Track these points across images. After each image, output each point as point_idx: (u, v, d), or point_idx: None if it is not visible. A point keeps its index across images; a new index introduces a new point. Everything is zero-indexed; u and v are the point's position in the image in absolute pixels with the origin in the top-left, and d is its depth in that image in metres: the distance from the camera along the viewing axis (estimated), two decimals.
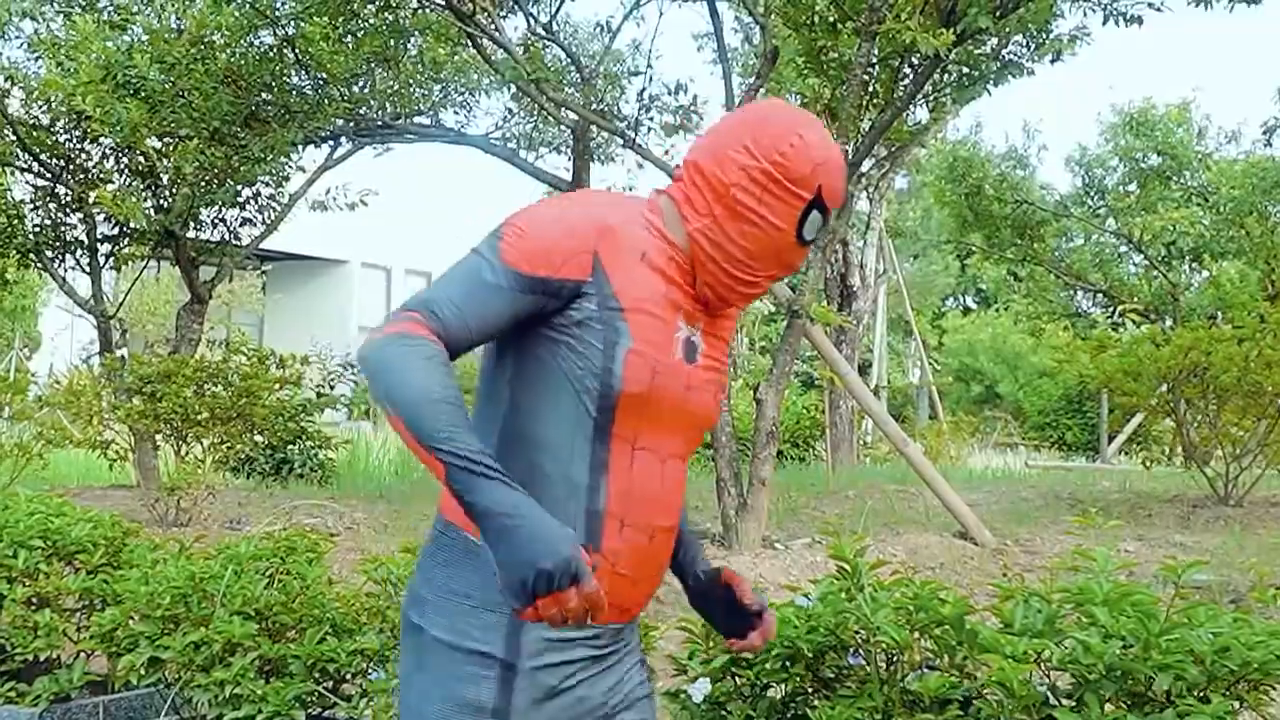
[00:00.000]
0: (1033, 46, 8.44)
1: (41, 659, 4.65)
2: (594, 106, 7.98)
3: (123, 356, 11.57)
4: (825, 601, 3.29)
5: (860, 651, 3.27)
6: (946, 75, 8.08)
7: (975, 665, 3.15)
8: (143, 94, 8.22)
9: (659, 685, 4.44)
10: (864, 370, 20.25)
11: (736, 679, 3.38)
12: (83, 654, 4.74)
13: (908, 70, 8.13)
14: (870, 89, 8.37)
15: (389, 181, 13.77)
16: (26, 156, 11.74)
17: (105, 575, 4.68)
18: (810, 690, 3.28)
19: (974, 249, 22.81)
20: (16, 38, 11.03)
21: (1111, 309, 21.90)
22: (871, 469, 14.93)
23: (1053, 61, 8.54)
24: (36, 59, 10.44)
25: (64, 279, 12.38)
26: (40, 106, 11.35)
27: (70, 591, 4.66)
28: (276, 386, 9.89)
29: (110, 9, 11.34)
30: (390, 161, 14.02)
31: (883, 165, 14.94)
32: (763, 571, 7.10)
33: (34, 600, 4.65)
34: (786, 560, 7.32)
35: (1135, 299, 21.10)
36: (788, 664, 3.24)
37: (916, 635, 3.19)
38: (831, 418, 14.32)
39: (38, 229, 12.10)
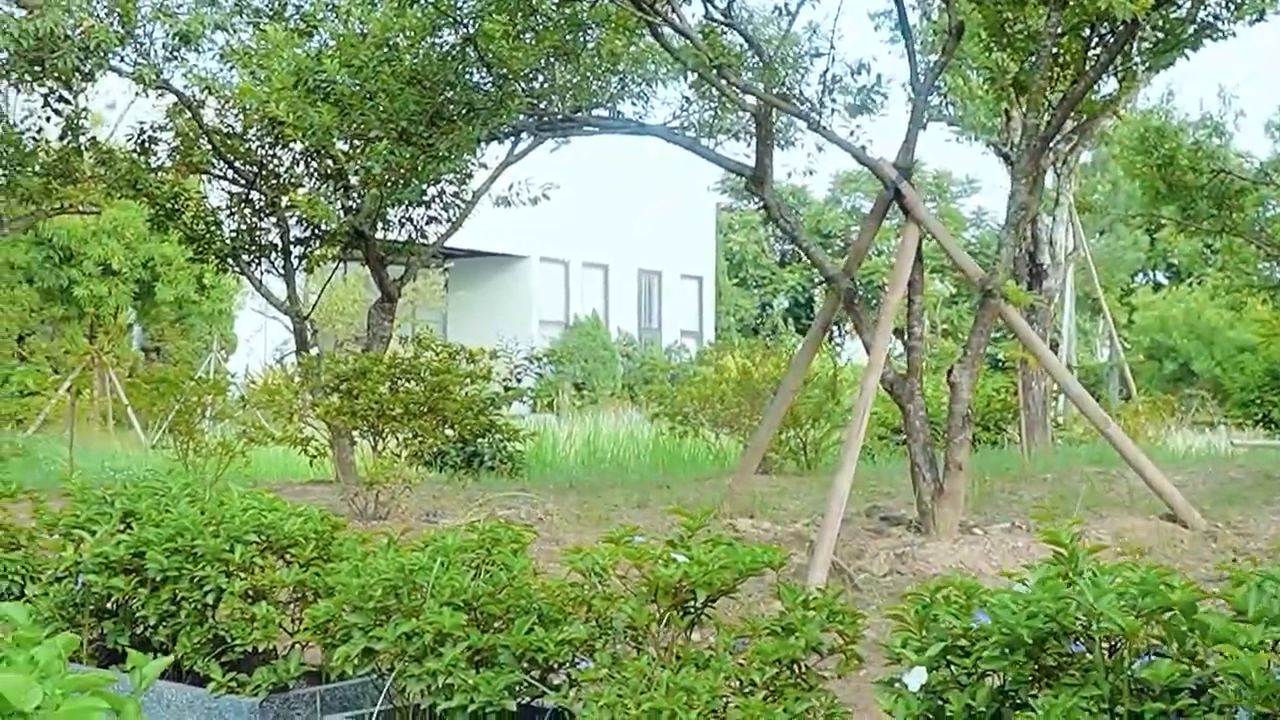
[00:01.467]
0: (1232, 7, 8.09)
1: (260, 650, 4.78)
2: (775, 90, 7.91)
3: (318, 355, 11.88)
4: (1044, 587, 3.19)
5: (1079, 638, 3.17)
6: (1140, 42, 7.80)
7: (1206, 652, 3.02)
8: (332, 98, 8.43)
9: (868, 673, 4.38)
10: (1052, 350, 19.75)
11: (952, 667, 3.30)
12: (298, 645, 4.87)
13: (1098, 39, 7.87)
14: (1059, 60, 8.13)
15: (565, 176, 13.89)
16: (222, 164, 12.16)
17: (317, 568, 4.79)
18: (1031, 678, 3.18)
19: (1166, 222, 22.04)
20: (209, 49, 11.40)
21: None
22: (1067, 451, 14.57)
23: (1253, 23, 8.19)
24: (230, 69, 10.78)
25: (260, 282, 12.79)
26: (234, 115, 11.74)
27: (284, 584, 4.78)
28: (467, 381, 10.07)
29: (296, 17, 11.67)
30: (566, 156, 14.15)
31: (1070, 139, 14.55)
32: (963, 558, 6.97)
33: (251, 593, 4.79)
34: (986, 545, 7.16)
35: None
36: (1007, 651, 3.15)
37: (1142, 622, 3.07)
38: (1024, 399, 13.99)
39: (234, 234, 12.53)
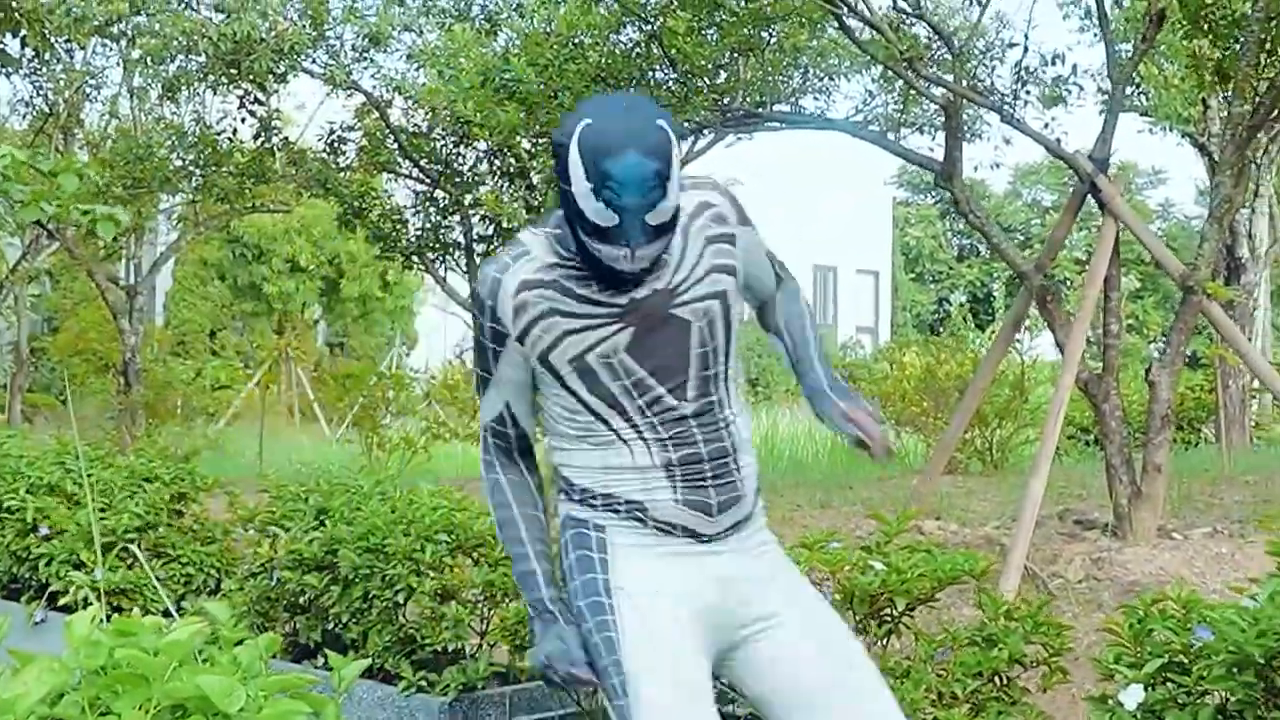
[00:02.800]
0: None
1: (448, 649, 4.80)
2: (966, 82, 7.72)
3: None
4: (1275, 602, 3.02)
5: None
6: None
7: None
8: (518, 96, 8.49)
9: (1079, 689, 4.21)
10: None
11: (1171, 684, 3.14)
12: (486, 645, 4.88)
13: None
14: (1265, 46, 7.77)
15: (743, 172, 13.82)
16: (408, 163, 12.37)
17: (505, 569, 4.79)
18: (1261, 700, 3.00)
19: None
20: (396, 50, 11.61)
21: None
22: (1267, 452, 13.98)
23: None
24: (418, 69, 10.95)
25: (444, 279, 12.98)
26: (421, 114, 11.92)
27: (474, 584, 4.80)
28: None
29: (481, 17, 11.82)
30: (742, 151, 14.06)
31: (1271, 128, 13.94)
32: (1163, 564, 6.70)
33: (440, 592, 4.82)
34: (1188, 552, 6.87)
35: None
36: (1235, 670, 2.98)
37: None
38: (1222, 398, 13.46)
39: (419, 232, 12.74)
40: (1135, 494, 7.19)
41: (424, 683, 4.66)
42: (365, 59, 11.39)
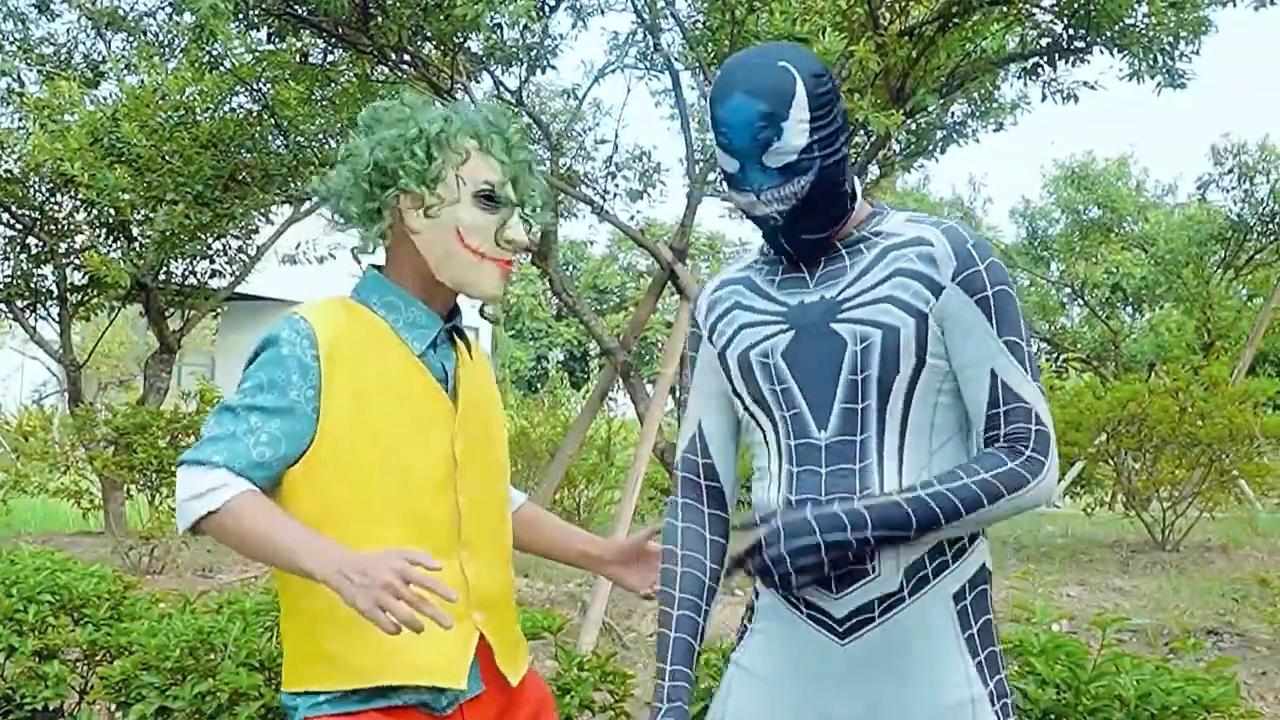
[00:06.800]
0: (977, 115, 8.90)
1: (48, 708, 4.90)
2: (562, 172, 8.33)
3: (94, 406, 11.77)
4: None
5: None
6: (896, 143, 8.52)
7: None
8: (126, 159, 8.49)
9: None
10: None
11: None
12: (87, 704, 5.00)
13: (860, 137, 8.55)
14: None
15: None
16: None
17: (108, 628, 4.94)
18: None
19: None
20: None
21: (1056, 356, 22.48)
22: None
23: (995, 130, 9.03)
24: (21, 119, 10.66)
25: (34, 329, 12.59)
26: (13, 160, 11.53)
27: (78, 643, 4.92)
28: None
29: (84, 66, 11.62)
30: None
31: None
32: (724, 618, 7.41)
33: (42, 652, 4.91)
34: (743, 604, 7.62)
35: (1078, 346, 21.68)
36: None
37: None
38: None
39: (8, 279, 12.31)
40: None
41: None
42: None
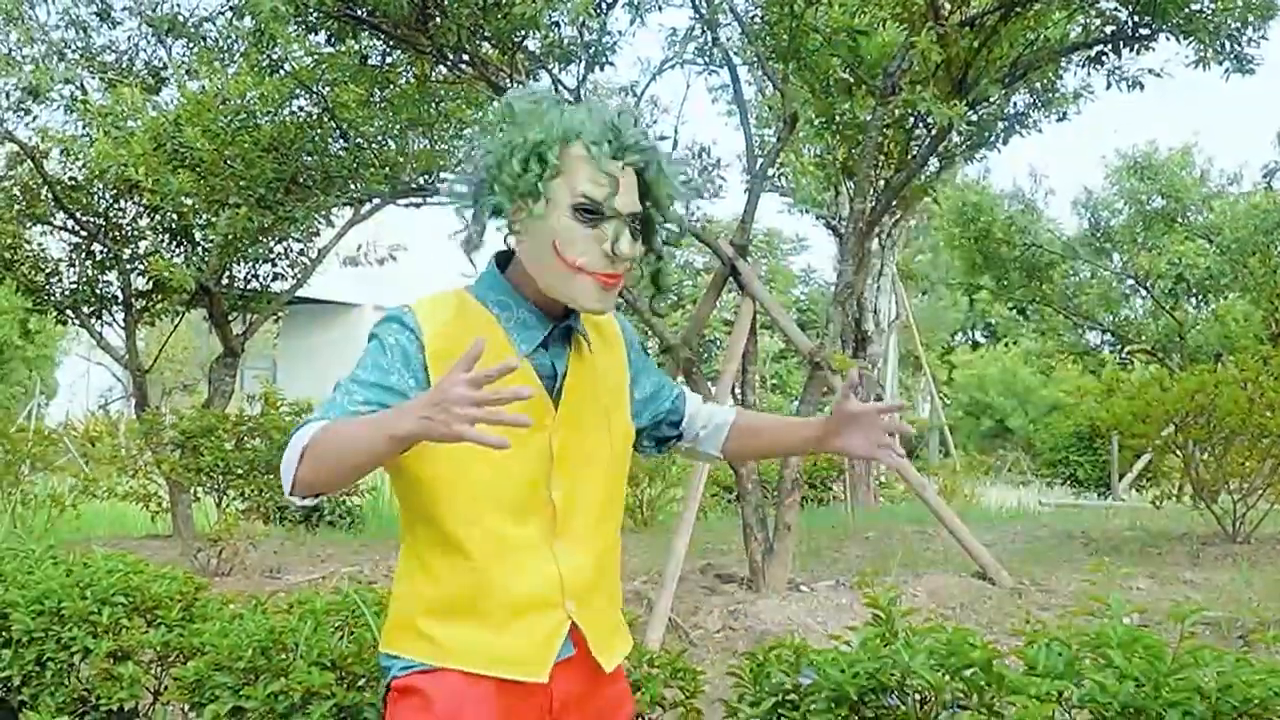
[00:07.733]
0: (1039, 105, 8.81)
1: (123, 709, 4.95)
2: None
3: (160, 411, 11.88)
4: (865, 647, 3.61)
5: (895, 693, 3.58)
6: (958, 135, 8.44)
7: (1001, 704, 3.45)
8: (189, 163, 8.57)
9: None
10: None
11: (784, 719, 3.69)
12: (161, 704, 5.05)
13: (921, 130, 8.48)
14: (884, 149, 8.72)
15: (406, 221, 13.98)
16: (63, 215, 12.11)
17: (180, 629, 4.99)
18: None
19: (983, 289, 23.22)
20: (53, 103, 11.38)
21: (1120, 348, 22.23)
22: (890, 509, 15.22)
23: (1059, 120, 8.92)
24: (83, 125, 10.79)
25: (100, 335, 12.74)
26: (78, 166, 11.67)
27: (151, 645, 4.97)
28: None
29: (145, 72, 11.75)
30: (414, 218, 14.35)
31: (894, 213, 15.31)
32: (790, 614, 7.39)
33: (116, 653, 4.97)
34: (813, 603, 7.61)
35: (1142, 338, 21.42)
36: (833, 705, 3.55)
37: (948, 678, 3.49)
38: (849, 459, 14.60)
39: (75, 286, 12.47)
40: (768, 550, 7.91)
41: None
42: (22, 110, 11.13)
